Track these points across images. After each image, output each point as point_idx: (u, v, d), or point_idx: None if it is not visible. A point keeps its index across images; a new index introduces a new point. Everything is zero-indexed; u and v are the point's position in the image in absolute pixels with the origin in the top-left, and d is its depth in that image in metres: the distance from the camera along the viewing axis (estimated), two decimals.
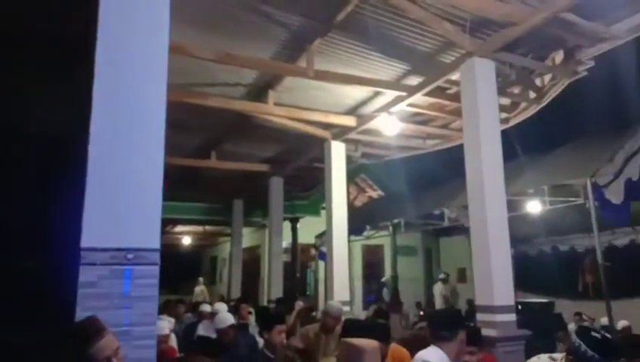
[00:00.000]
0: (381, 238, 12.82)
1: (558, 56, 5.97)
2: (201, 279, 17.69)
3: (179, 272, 19.48)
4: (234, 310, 7.40)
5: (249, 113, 7.62)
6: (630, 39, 5.32)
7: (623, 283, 9.20)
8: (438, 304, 12.67)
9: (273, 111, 7.40)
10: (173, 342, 5.53)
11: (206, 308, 6.94)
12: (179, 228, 18.33)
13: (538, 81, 6.53)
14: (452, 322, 3.09)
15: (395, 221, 10.83)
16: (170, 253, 19.69)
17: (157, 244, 3.09)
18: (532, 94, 6.65)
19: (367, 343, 2.52)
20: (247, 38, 5.92)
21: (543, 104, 6.69)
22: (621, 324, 7.11)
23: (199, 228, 18.33)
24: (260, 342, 4.75)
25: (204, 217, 14.87)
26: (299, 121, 7.96)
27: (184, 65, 6.06)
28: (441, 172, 10.92)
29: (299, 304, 7.34)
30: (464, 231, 9.07)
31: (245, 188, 12.60)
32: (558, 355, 3.06)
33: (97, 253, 2.85)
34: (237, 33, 5.84)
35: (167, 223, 16.63)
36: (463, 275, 14.42)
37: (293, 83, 6.89)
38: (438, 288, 13.10)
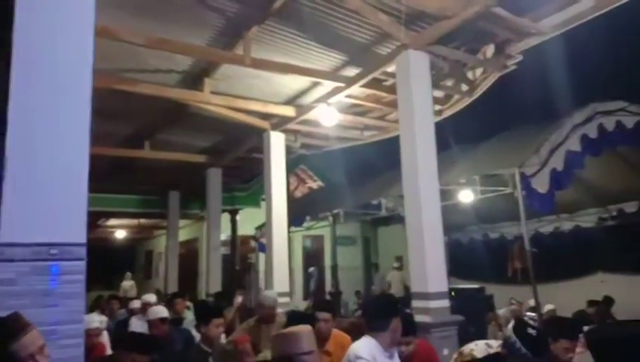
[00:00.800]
0: (321, 229, 12.88)
1: (489, 50, 6.18)
2: (129, 274, 17.02)
3: (112, 267, 18.84)
4: (169, 305, 7.21)
5: (184, 101, 7.38)
6: (555, 35, 5.58)
7: (548, 269, 9.76)
8: (398, 292, 12.77)
9: (210, 100, 7.21)
10: (105, 339, 5.31)
11: (136, 303, 6.72)
12: (112, 222, 17.60)
13: (470, 75, 6.75)
14: (384, 311, 3.04)
15: (335, 211, 10.90)
16: (102, 247, 18.97)
17: (83, 238, 2.93)
18: (464, 87, 6.86)
19: (300, 328, 2.50)
20: (182, 23, 5.72)
21: (475, 97, 6.92)
22: (547, 307, 7.52)
23: (134, 222, 17.72)
24: (198, 336, 4.65)
25: (139, 210, 14.37)
26: (237, 110, 7.81)
27: (113, 49, 5.79)
28: (379, 162, 11.10)
29: (238, 299, 7.24)
30: (401, 220, 9.25)
31: (182, 179, 12.27)
32: (494, 343, 3.16)
33: (16, 248, 2.69)
34: (170, 18, 5.63)
35: (98, 216, 15.94)
36: (400, 263, 14.77)
37: (231, 71, 6.74)
38: (395, 276, 13.22)
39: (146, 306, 5.95)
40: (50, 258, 2.81)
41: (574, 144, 6.46)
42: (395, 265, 13.78)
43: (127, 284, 16.25)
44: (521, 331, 2.59)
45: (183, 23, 5.71)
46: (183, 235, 15.40)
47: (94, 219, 16.47)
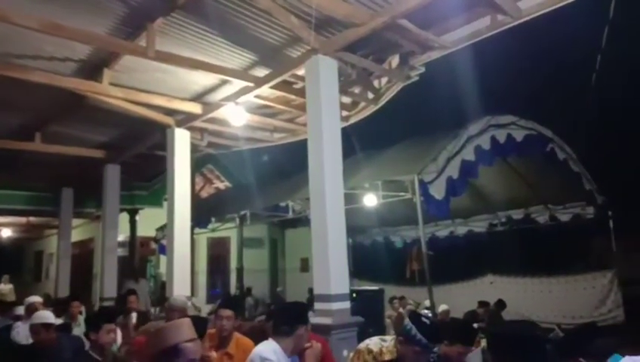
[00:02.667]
0: (228, 230, 12.65)
1: (394, 61, 6.41)
2: (6, 276, 15.56)
3: None
4: (61, 309, 6.71)
5: (81, 92, 6.88)
6: (456, 50, 5.91)
7: (443, 270, 10.32)
8: None
9: (109, 92, 6.79)
10: None
11: (20, 310, 6.18)
12: None
13: (376, 83, 6.95)
14: (293, 317, 3.05)
15: (242, 213, 10.75)
16: None
17: None
18: (370, 95, 7.05)
19: (178, 319, 2.44)
20: (81, 9, 5.33)
21: (380, 105, 7.14)
22: (441, 308, 7.92)
23: (21, 220, 16.33)
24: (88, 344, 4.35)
25: (28, 207, 13.23)
26: (138, 104, 7.42)
27: (2, 32, 5.27)
28: (288, 165, 11.13)
29: (132, 305, 6.83)
30: (308, 222, 9.34)
31: (76, 175, 11.43)
32: (388, 337, 3.25)
33: None
34: (69, 3, 5.22)
35: None
36: (305, 265, 14.91)
37: (133, 63, 6.39)
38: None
39: (31, 309, 5.47)
40: None
41: (469, 154, 6.90)
42: None
43: (6, 288, 14.89)
44: (416, 319, 2.83)
45: (83, 9, 5.33)
46: (77, 235, 14.44)
47: None
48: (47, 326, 4.45)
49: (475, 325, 7.73)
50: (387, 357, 3.04)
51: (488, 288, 11.21)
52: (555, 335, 7.21)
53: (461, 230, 11.82)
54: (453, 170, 6.66)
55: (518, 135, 7.71)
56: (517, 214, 10.89)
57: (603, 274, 9.89)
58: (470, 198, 10.27)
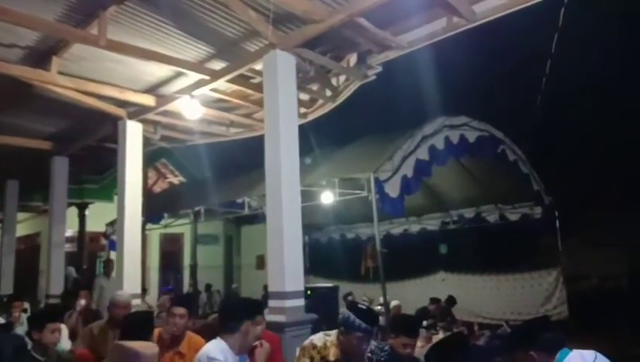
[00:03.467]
0: (181, 226, 12.42)
1: (352, 59, 6.44)
2: None
3: None
4: (3, 308, 6.43)
5: (27, 80, 6.56)
6: (412, 50, 5.99)
7: (397, 267, 10.48)
8: None
9: (57, 81, 6.51)
10: None
11: None
12: None
13: (334, 81, 6.96)
14: (237, 313, 3.03)
15: (196, 208, 10.56)
16: None
17: None
18: (328, 92, 7.06)
19: (145, 346, 2.28)
20: None
21: (337, 102, 7.16)
22: (393, 303, 8.03)
23: None
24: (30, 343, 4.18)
25: None
26: (89, 94, 7.14)
27: None
28: (245, 160, 11.00)
29: (81, 301, 6.63)
30: (265, 219, 9.28)
31: (22, 167, 10.94)
32: (332, 332, 3.29)
33: None
34: None
35: None
36: (261, 262, 14.83)
37: (84, 52, 6.14)
38: None
39: None
40: None
41: (423, 153, 7.01)
42: None
43: None
44: (353, 307, 3.10)
45: None
46: (22, 230, 13.87)
47: None
48: None
49: (425, 322, 7.95)
50: (332, 350, 3.11)
51: (440, 285, 11.47)
52: (503, 331, 7.47)
53: (415, 228, 12.03)
54: (408, 169, 6.76)
55: (471, 136, 7.89)
56: (469, 213, 11.17)
57: (549, 272, 10.28)
58: (424, 197, 10.46)
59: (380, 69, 6.47)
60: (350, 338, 3.03)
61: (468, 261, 11.67)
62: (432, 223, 11.84)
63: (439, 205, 11.32)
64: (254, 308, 3.33)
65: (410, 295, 10.62)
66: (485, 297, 10.93)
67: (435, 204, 11.28)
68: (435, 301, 9.11)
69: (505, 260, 11.35)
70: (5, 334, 4.81)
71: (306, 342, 3.31)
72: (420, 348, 6.69)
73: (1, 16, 5.05)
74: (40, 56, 6.40)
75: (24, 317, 6.26)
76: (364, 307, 3.16)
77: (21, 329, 5.70)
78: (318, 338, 3.27)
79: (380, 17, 5.40)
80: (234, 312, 3.08)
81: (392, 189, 6.47)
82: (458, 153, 8.07)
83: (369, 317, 3.05)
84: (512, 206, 10.53)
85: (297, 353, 3.41)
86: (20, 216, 13.07)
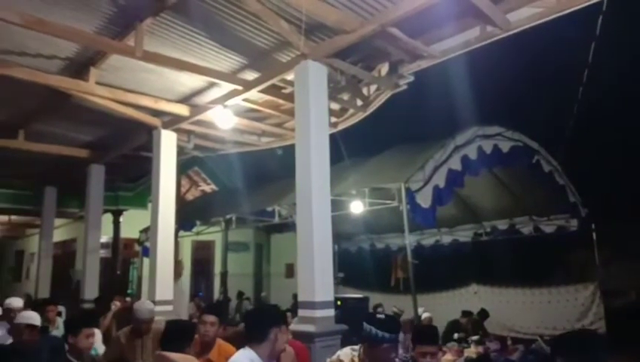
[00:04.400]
0: (212, 234, 12.57)
1: (384, 68, 6.41)
2: None
3: None
4: (38, 311, 6.59)
5: (66, 90, 6.79)
6: (445, 59, 5.93)
7: (428, 279, 10.32)
8: None
9: (95, 91, 6.70)
10: None
11: None
12: None
13: (365, 90, 6.94)
14: (263, 321, 2.96)
15: (228, 216, 10.68)
16: None
17: None
18: (359, 102, 7.04)
19: (185, 358, 2.37)
20: (68, 5, 5.25)
21: (368, 112, 7.13)
22: (424, 316, 7.92)
23: (3, 218, 16.09)
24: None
25: (9, 205, 13.06)
26: (125, 104, 7.33)
27: None
28: (276, 169, 11.07)
29: (115, 304, 6.79)
30: (294, 227, 9.29)
31: (60, 174, 11.28)
32: (357, 346, 3.25)
33: None
34: None
35: None
36: (290, 270, 14.85)
37: (120, 62, 6.32)
38: None
39: (8, 312, 5.37)
40: None
41: (456, 163, 6.92)
42: None
43: None
44: (372, 319, 2.99)
45: (70, 5, 5.25)
46: (59, 235, 14.25)
47: None
48: (32, 327, 4.39)
49: (456, 335, 7.79)
50: None
51: (472, 298, 11.24)
52: (538, 346, 7.25)
53: (446, 239, 11.84)
54: (440, 179, 6.67)
55: (505, 146, 7.75)
56: (502, 224, 10.94)
57: (585, 286, 9.97)
58: (456, 208, 10.30)
59: (411, 78, 6.42)
60: (377, 351, 2.96)
61: (501, 273, 11.41)
62: (464, 234, 11.62)
63: (472, 216, 11.13)
64: (280, 316, 3.27)
65: (441, 307, 10.45)
66: (519, 311, 10.65)
67: (468, 215, 11.08)
68: (466, 314, 8.93)
69: (539, 273, 11.05)
70: (43, 336, 4.93)
71: (333, 357, 3.27)
72: (452, 361, 6.59)
73: (42, 28, 5.22)
74: (78, 67, 6.61)
75: (60, 321, 6.41)
76: (382, 316, 3.07)
77: (57, 333, 5.83)
78: (344, 354, 3.21)
79: (411, 27, 5.36)
80: (261, 321, 3.01)
81: (424, 200, 6.39)
82: (491, 163, 7.94)
83: (390, 326, 2.98)
84: (547, 218, 10.26)
85: None
86: (57, 221, 13.41)
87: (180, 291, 10.06)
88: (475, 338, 7.61)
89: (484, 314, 9.19)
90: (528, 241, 10.74)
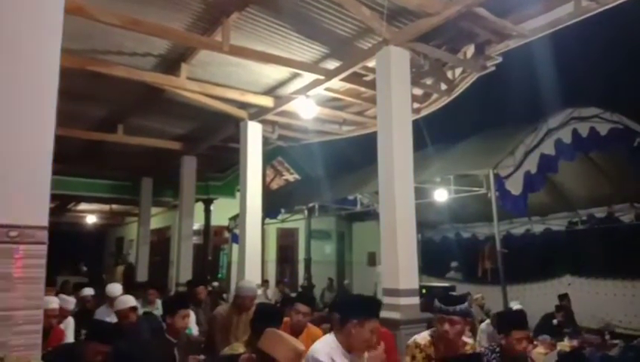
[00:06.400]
0: (296, 222, 12.85)
1: (469, 50, 6.18)
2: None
3: (82, 253, 18.52)
4: (141, 294, 7.12)
5: (160, 86, 7.21)
6: (535, 38, 5.61)
7: (517, 270, 9.90)
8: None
9: (186, 86, 7.06)
10: (70, 326, 5.19)
11: (88, 291, 6.63)
12: (82, 206, 17.26)
13: (449, 74, 6.75)
14: (345, 310, 2.87)
15: (310, 205, 10.88)
16: (71, 232, 18.58)
17: (45, 222, 2.84)
18: (443, 86, 6.86)
19: (294, 339, 2.51)
20: (159, 5, 5.55)
21: (453, 96, 6.92)
22: (515, 307, 7.60)
23: (105, 207, 17.43)
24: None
25: (111, 195, 14.10)
26: (214, 98, 7.68)
27: (86, 29, 5.61)
28: (357, 158, 11.09)
29: (200, 289, 7.08)
30: (376, 216, 9.29)
31: (155, 166, 12.08)
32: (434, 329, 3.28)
33: None
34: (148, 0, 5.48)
35: (68, 200, 15.62)
36: (373, 259, 14.85)
37: (209, 57, 6.60)
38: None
39: (111, 299, 5.83)
40: (9, 240, 2.71)
41: (549, 148, 6.56)
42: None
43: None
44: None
45: (161, 5, 5.55)
46: (155, 223, 15.19)
47: (64, 203, 16.13)
48: (134, 308, 4.75)
49: (555, 321, 7.42)
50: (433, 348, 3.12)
51: (565, 289, 10.62)
52: (639, 342, 6.74)
53: (538, 228, 11.27)
54: (532, 165, 6.36)
55: (603, 128, 7.23)
56: (599, 212, 10.24)
57: None
58: (548, 195, 9.76)
59: (499, 59, 6.13)
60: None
61: (598, 264, 10.69)
62: (557, 223, 11.01)
63: (565, 204, 10.50)
64: (366, 307, 2.90)
65: (531, 299, 9.99)
66: (618, 305, 9.93)
67: (561, 203, 10.47)
68: (561, 308, 8.46)
69: None
70: (144, 317, 5.30)
71: (410, 341, 3.28)
72: (543, 354, 6.30)
73: (137, 27, 5.55)
74: (170, 63, 6.99)
75: (158, 302, 6.87)
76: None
77: (157, 313, 6.25)
78: (421, 337, 3.25)
79: (499, 5, 5.13)
80: (342, 309, 2.96)
81: (514, 186, 6.13)
82: (587, 147, 7.44)
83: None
84: None
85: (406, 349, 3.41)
86: (153, 210, 14.33)
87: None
88: (569, 331, 7.22)
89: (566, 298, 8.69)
90: (629, 230, 9.97)
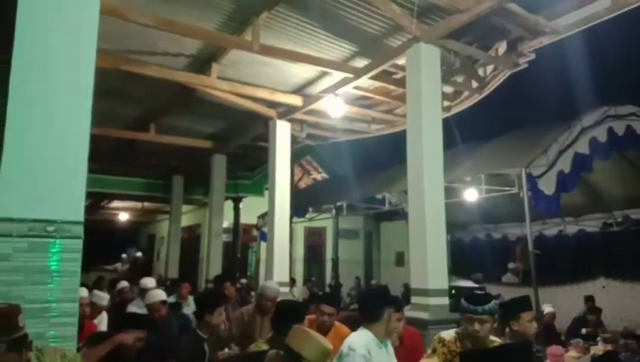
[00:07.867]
0: (324, 221, 12.85)
1: (501, 47, 6.09)
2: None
3: (114, 249, 18.90)
4: (172, 289, 7.25)
5: (191, 86, 7.33)
6: (569, 35, 5.48)
7: (550, 271, 9.69)
8: None
9: (216, 85, 7.16)
10: (104, 320, 5.31)
11: (124, 283, 6.81)
12: (115, 204, 17.66)
13: (481, 71, 6.65)
14: (376, 302, 3.09)
15: (338, 204, 10.86)
16: (105, 228, 19.00)
17: (81, 217, 2.91)
18: (474, 83, 6.76)
19: (321, 336, 2.52)
20: (191, 6, 5.65)
21: (484, 94, 6.82)
22: (547, 309, 7.44)
23: (137, 205, 17.76)
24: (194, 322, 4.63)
25: (143, 193, 14.39)
26: (243, 97, 7.76)
27: (120, 29, 5.73)
28: (385, 157, 11.02)
29: (227, 285, 7.15)
30: (404, 215, 9.21)
31: (186, 164, 12.28)
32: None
33: (13, 223, 2.66)
34: (180, 0, 5.56)
35: (102, 197, 15.99)
36: (401, 259, 14.74)
37: (239, 57, 6.68)
38: None
39: (144, 292, 5.93)
40: (47, 235, 2.78)
41: (583, 147, 6.38)
42: None
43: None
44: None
45: (193, 5, 5.65)
46: (186, 220, 15.40)
47: (98, 200, 16.52)
48: (164, 302, 4.83)
49: (584, 330, 7.23)
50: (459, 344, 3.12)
51: (600, 292, 10.34)
52: None
53: (571, 229, 10.98)
54: (565, 164, 6.19)
55: None
56: (636, 214, 9.92)
57: None
58: (582, 195, 9.51)
59: (532, 56, 6.02)
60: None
61: (635, 267, 10.37)
62: (591, 224, 10.71)
63: (600, 205, 10.21)
64: (391, 296, 3.37)
65: (563, 301, 9.75)
66: None
67: (596, 204, 10.18)
68: (594, 310, 8.24)
69: None
70: (173, 312, 5.38)
71: (435, 337, 3.29)
72: (576, 358, 6.15)
73: (170, 28, 5.65)
74: (201, 63, 7.10)
75: (190, 298, 6.97)
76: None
77: (188, 310, 6.35)
78: (446, 333, 3.26)
79: (532, 1, 5.05)
80: (374, 300, 3.14)
81: (547, 186, 5.98)
82: (624, 146, 7.19)
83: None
84: None
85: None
86: (184, 208, 14.53)
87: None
88: (606, 335, 7.01)
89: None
90: None
